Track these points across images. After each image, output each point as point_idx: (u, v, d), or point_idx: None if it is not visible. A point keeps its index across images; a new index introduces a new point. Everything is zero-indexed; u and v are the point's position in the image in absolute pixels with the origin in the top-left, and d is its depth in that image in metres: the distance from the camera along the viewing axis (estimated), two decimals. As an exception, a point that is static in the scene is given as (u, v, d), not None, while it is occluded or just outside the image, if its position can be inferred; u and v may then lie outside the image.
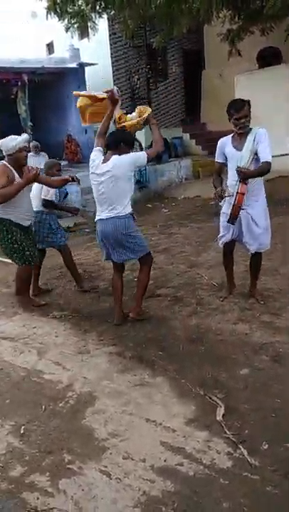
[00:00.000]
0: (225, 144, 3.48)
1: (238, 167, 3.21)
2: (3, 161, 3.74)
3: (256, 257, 3.64)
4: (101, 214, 3.39)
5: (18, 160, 3.74)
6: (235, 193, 3.24)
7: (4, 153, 3.74)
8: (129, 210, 3.35)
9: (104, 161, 3.30)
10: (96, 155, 3.38)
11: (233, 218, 3.31)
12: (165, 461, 2.08)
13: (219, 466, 2.01)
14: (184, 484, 1.93)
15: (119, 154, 3.29)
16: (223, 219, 3.55)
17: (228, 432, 2.21)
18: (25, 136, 3.85)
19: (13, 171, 3.70)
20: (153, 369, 2.89)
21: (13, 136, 3.78)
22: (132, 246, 3.38)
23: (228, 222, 3.36)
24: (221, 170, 3.61)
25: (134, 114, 3.62)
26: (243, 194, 3.24)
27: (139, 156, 3.34)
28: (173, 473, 1.99)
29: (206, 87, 13.39)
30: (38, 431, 2.38)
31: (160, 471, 2.02)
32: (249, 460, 2.02)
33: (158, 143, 3.51)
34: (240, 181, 3.24)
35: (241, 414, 2.35)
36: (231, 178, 3.40)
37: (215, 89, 12.46)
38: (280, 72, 9.68)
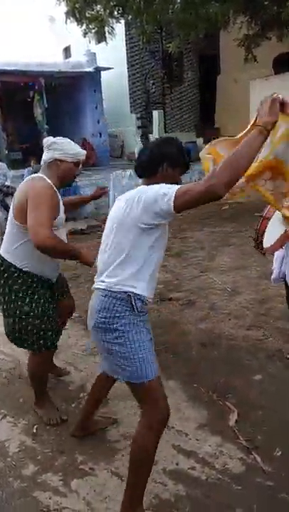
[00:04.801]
0: None
1: None
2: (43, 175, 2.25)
3: None
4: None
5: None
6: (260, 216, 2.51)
7: (49, 157, 2.26)
8: (129, 287, 1.69)
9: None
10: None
11: (258, 245, 2.53)
12: (177, 464, 2.07)
13: (232, 471, 2.00)
14: (196, 488, 1.92)
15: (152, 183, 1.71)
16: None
17: (240, 438, 2.19)
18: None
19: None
20: (165, 373, 2.88)
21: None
22: (116, 359, 1.74)
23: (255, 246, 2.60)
24: None
25: None
26: (268, 219, 2.41)
27: (164, 193, 1.56)
28: (185, 477, 1.98)
29: (221, 93, 13.40)
30: (51, 430, 2.40)
31: (172, 474, 2.02)
32: (262, 466, 2.00)
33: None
34: None
35: (254, 420, 2.33)
36: None
37: (230, 94, 12.47)
38: (296, 78, 9.64)
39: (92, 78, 11.90)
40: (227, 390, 2.61)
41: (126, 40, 12.27)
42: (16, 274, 2.25)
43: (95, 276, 1.83)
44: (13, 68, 10.38)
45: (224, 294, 4.10)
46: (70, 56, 14.80)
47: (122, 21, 9.42)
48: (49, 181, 2.20)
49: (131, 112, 13.06)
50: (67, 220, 2.50)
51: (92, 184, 8.63)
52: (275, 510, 1.80)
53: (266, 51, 9.92)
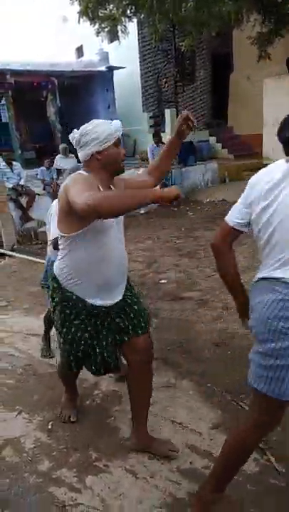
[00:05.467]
0: None
1: None
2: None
3: None
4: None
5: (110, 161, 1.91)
6: None
7: (84, 155, 1.92)
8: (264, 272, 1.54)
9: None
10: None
11: None
12: (191, 463, 2.08)
13: (246, 471, 2.00)
14: (210, 487, 1.92)
15: None
16: None
17: (254, 438, 2.19)
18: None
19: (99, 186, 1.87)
20: (178, 372, 2.90)
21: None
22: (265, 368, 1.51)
23: None
24: None
25: None
26: None
27: None
28: (199, 476, 1.99)
29: (234, 91, 13.31)
30: (65, 427, 2.42)
31: (186, 473, 2.03)
32: (276, 467, 2.00)
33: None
34: None
35: (268, 421, 2.32)
36: None
37: (242, 92, 12.38)
38: (310, 75, 9.55)
39: (105, 77, 11.92)
40: (240, 389, 2.61)
41: (138, 39, 12.26)
42: (56, 287, 2.06)
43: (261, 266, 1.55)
44: (26, 68, 10.46)
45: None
46: (82, 55, 14.84)
47: (135, 20, 9.45)
48: (84, 173, 1.90)
49: (143, 110, 13.06)
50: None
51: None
52: (290, 511, 1.80)
53: (279, 49, 9.83)
